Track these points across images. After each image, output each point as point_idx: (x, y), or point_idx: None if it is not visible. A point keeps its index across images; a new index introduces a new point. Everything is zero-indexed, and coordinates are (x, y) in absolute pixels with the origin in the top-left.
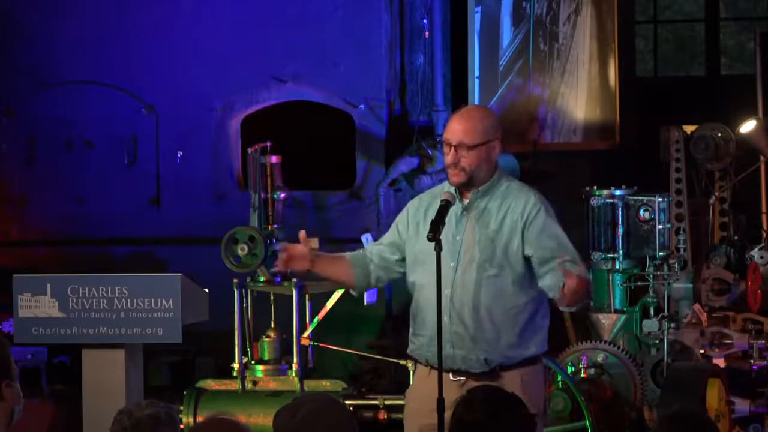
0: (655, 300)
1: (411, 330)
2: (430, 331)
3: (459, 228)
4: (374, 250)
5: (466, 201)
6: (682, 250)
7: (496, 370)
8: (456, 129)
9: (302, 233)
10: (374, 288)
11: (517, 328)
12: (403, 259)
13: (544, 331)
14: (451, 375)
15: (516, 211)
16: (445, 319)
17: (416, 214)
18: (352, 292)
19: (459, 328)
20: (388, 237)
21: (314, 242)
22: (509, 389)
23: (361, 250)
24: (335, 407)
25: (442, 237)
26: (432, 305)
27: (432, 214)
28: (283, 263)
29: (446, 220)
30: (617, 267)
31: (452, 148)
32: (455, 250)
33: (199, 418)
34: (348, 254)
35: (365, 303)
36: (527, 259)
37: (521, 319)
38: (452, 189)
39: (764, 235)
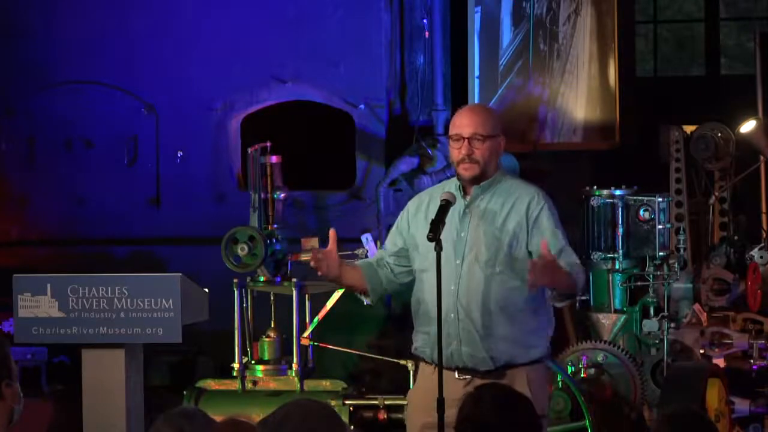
0: (655, 300)
1: (415, 326)
2: (436, 328)
3: (463, 225)
4: (384, 260)
5: (468, 198)
6: (682, 250)
7: (502, 368)
8: (468, 122)
9: (332, 233)
10: (387, 294)
11: (525, 326)
12: (410, 270)
13: (550, 330)
14: (456, 373)
15: (521, 207)
16: (451, 315)
17: (417, 211)
18: (367, 301)
19: (467, 325)
20: (392, 247)
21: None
22: (516, 388)
23: (370, 259)
24: (325, 417)
25: (446, 234)
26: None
27: (433, 211)
28: (321, 267)
29: (450, 217)
30: (617, 267)
31: (465, 141)
32: (460, 248)
33: None
34: (359, 262)
35: (365, 303)
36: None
37: (528, 317)
38: (453, 188)
39: (764, 235)
